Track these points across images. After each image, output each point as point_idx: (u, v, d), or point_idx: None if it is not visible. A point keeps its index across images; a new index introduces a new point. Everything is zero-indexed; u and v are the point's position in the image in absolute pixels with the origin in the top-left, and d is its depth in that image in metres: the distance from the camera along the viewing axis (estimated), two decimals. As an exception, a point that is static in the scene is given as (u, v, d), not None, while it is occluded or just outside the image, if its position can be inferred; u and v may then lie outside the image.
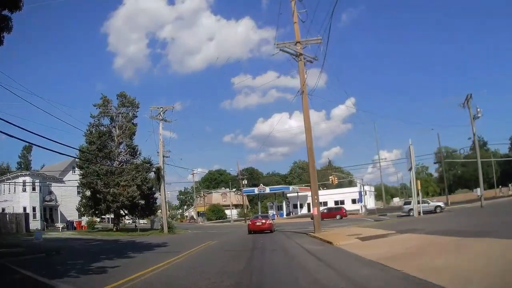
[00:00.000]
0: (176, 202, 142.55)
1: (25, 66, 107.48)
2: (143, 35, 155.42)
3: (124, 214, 48.30)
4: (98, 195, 42.59)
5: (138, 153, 48.23)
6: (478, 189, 55.10)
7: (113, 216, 48.29)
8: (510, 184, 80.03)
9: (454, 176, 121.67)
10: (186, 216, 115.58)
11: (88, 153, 43.51)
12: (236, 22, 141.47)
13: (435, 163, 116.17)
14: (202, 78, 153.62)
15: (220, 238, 28.60)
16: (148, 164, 45.95)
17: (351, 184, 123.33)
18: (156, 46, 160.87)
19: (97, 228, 51.00)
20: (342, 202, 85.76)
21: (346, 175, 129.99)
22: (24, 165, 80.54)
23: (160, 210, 49.71)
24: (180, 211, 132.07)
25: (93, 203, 44.44)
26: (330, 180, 56.82)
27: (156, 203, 48.19)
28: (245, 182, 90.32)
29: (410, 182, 39.29)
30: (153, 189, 46.64)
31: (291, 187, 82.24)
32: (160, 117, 43.23)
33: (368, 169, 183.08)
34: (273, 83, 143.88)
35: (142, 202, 43.12)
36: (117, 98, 48.97)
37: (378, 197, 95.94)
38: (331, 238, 19.35)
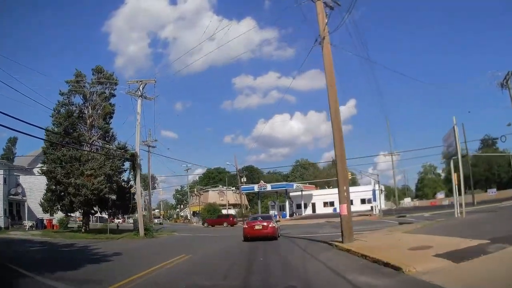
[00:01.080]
0: (173, 201, 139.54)
1: (23, 69, 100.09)
2: (145, 35, 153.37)
3: (94, 211, 40.10)
4: (58, 186, 34.35)
5: (112, 137, 39.95)
6: (492, 190, 56.62)
7: (102, 215, 39.65)
8: None
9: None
10: (182, 216, 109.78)
11: (53, 134, 35.18)
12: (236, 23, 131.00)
13: (449, 157, 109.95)
14: (203, 79, 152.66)
15: (203, 249, 20.80)
16: (122, 150, 37.48)
17: (355, 183, 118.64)
18: (158, 46, 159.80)
19: (72, 227, 43.61)
20: (351, 202, 77.57)
21: (351, 174, 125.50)
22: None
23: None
24: (177, 210, 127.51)
25: (56, 197, 36.24)
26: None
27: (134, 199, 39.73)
28: (244, 179, 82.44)
29: (450, 173, 30.63)
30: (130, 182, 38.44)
31: (295, 185, 73.66)
32: (139, 92, 34.71)
33: (368, 170, 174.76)
34: (274, 84, 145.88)
35: (113, 197, 34.36)
36: (93, 74, 40.84)
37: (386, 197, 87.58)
38: (388, 256, 10.98)
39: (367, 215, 52.97)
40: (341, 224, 16.93)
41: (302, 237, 24.62)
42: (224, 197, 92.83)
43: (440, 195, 52.15)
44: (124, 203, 37.74)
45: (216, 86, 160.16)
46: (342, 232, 16.69)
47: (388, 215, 47.60)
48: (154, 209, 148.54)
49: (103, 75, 40.84)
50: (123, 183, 39.29)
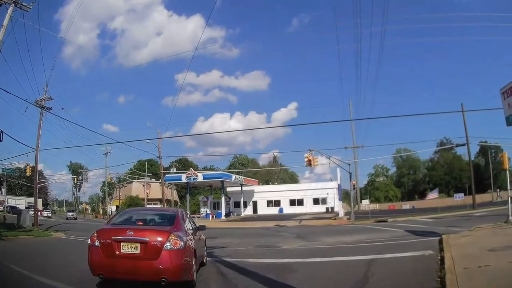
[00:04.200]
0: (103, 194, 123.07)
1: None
2: (94, 25, 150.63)
3: None
4: None
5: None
6: (459, 194, 46.25)
7: None
8: (498, 189, 74.26)
9: (414, 180, 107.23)
10: (103, 211, 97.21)
11: None
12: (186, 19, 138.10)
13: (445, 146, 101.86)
14: (148, 73, 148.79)
15: None
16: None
17: (295, 180, 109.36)
18: (106, 37, 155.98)
19: None
20: (301, 202, 65.89)
21: (291, 175, 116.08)
22: None
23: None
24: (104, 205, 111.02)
25: None
26: (307, 161, 34.82)
27: None
28: (173, 169, 68.47)
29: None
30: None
31: (233, 176, 59.83)
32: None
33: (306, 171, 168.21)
34: (217, 83, 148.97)
35: None
36: None
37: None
38: None
39: (329, 218, 40.62)
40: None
41: (267, 263, 12.06)
42: (150, 189, 78.17)
43: (433, 194, 41.45)
44: None
45: (159, 81, 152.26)
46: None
47: (361, 218, 35.63)
48: (87, 203, 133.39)
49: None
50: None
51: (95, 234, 8.54)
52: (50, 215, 70.43)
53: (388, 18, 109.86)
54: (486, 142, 75.63)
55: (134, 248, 8.09)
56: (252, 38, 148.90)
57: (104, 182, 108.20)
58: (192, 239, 9.44)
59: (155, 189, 79.80)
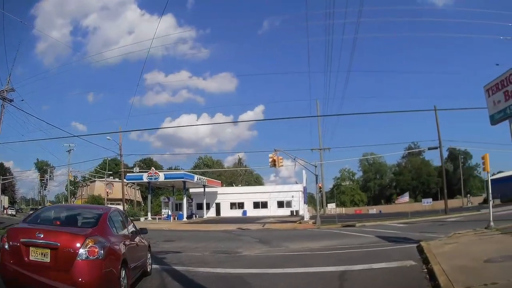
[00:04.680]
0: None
1: None
2: (68, 22, 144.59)
3: None
4: None
5: None
6: (428, 199, 43.71)
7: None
8: (468, 195, 74.02)
9: (380, 185, 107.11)
10: None
11: None
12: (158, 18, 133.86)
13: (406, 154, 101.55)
14: (117, 71, 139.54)
15: None
16: None
17: (260, 183, 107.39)
18: (78, 34, 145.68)
19: None
20: (265, 205, 63.77)
21: (256, 178, 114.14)
22: None
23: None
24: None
25: None
26: (271, 162, 32.38)
27: None
28: (137, 169, 65.28)
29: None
30: None
31: (196, 177, 56.95)
32: None
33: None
34: (184, 83, 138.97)
35: None
36: None
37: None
38: None
39: (294, 222, 38.65)
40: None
41: (221, 274, 10.36)
42: (112, 189, 74.69)
43: (403, 199, 39.98)
44: None
45: (128, 80, 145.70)
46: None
47: (327, 223, 33.71)
48: (53, 202, 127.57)
49: None
50: None
51: (5, 234, 6.61)
52: (14, 213, 65.83)
53: (358, 28, 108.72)
54: (455, 148, 75.83)
55: (44, 255, 6.09)
56: (222, 39, 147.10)
57: (69, 181, 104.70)
58: (123, 246, 7.43)
59: (118, 189, 75.84)
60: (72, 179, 78.94)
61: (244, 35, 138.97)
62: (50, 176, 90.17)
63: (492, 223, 16.64)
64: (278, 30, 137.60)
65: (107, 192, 71.36)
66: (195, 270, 10.55)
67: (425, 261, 9.91)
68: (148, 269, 9.71)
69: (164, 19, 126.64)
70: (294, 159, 35.82)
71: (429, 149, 38.07)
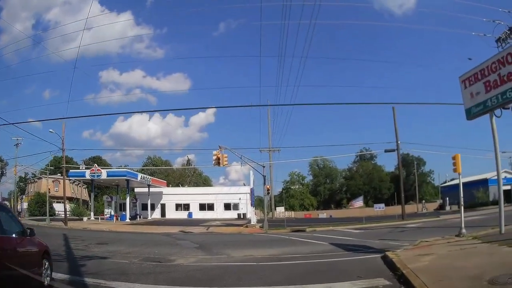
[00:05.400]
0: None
1: None
2: (30, 15, 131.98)
3: None
4: None
5: None
6: (380, 205, 42.23)
7: None
8: (423, 201, 73.90)
9: (330, 189, 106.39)
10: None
11: None
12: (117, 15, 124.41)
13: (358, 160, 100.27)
14: (73, 67, 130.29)
15: None
16: None
17: (208, 185, 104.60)
18: (39, 29, 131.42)
19: None
20: (212, 207, 60.88)
21: (204, 179, 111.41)
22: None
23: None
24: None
25: None
26: (215, 160, 29.31)
27: None
28: (83, 166, 61.19)
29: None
30: None
31: (139, 176, 53.27)
32: None
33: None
34: (138, 83, 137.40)
35: None
36: None
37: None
38: None
39: (241, 225, 36.00)
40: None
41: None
42: (59, 187, 69.56)
43: (358, 203, 38.13)
44: None
45: (84, 77, 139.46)
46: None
47: (276, 227, 31.28)
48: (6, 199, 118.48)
49: None
50: None
51: None
52: None
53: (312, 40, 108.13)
54: (408, 154, 75.76)
55: None
56: (177, 39, 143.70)
57: (20, 177, 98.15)
58: None
59: (67, 187, 71.14)
60: (17, 174, 73.13)
61: (199, 36, 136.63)
62: (2, 172, 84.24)
63: (464, 230, 14.55)
64: (233, 32, 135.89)
65: (49, 189, 66.06)
66: (106, 285, 8.46)
67: (404, 281, 7.38)
68: (45, 282, 7.55)
69: (122, 17, 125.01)
70: (241, 158, 33.08)
71: (385, 151, 36.31)
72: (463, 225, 14.74)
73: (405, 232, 21.48)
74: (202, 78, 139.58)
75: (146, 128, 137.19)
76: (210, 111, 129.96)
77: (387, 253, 10.89)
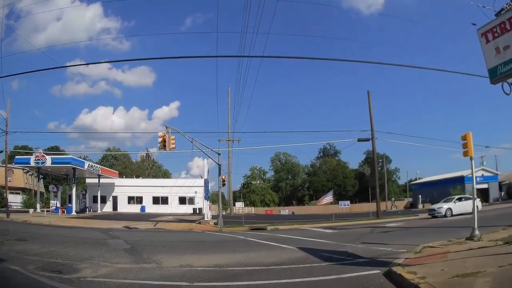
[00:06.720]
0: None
1: None
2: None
3: None
4: None
5: None
6: (345, 202, 38.75)
7: None
8: (393, 198, 74.01)
9: (292, 185, 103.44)
10: None
11: None
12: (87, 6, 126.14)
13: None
14: (42, 58, 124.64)
15: None
16: None
17: (167, 176, 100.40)
18: (11, 18, 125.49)
19: None
20: (166, 201, 56.36)
21: (164, 173, 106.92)
22: None
23: None
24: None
25: None
26: (161, 142, 24.99)
27: None
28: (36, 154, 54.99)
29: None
30: None
31: (86, 164, 47.90)
32: None
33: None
34: (104, 75, 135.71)
35: None
36: None
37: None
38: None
39: (194, 221, 31.95)
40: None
41: None
42: (12, 176, 62.70)
43: (328, 198, 34.53)
44: None
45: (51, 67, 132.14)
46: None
47: (233, 224, 27.51)
48: None
49: None
50: None
51: None
52: None
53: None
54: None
55: None
56: (144, 32, 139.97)
57: None
58: None
59: (18, 176, 64.36)
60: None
61: (167, 29, 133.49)
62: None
63: (477, 231, 11.04)
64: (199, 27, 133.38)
65: (9, 180, 59.46)
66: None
67: None
68: None
69: (92, 8, 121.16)
70: (191, 142, 28.65)
71: (359, 140, 32.78)
72: (476, 225, 11.19)
73: (390, 233, 17.65)
74: (167, 73, 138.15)
75: (110, 121, 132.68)
76: (174, 105, 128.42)
77: (393, 268, 7.06)
